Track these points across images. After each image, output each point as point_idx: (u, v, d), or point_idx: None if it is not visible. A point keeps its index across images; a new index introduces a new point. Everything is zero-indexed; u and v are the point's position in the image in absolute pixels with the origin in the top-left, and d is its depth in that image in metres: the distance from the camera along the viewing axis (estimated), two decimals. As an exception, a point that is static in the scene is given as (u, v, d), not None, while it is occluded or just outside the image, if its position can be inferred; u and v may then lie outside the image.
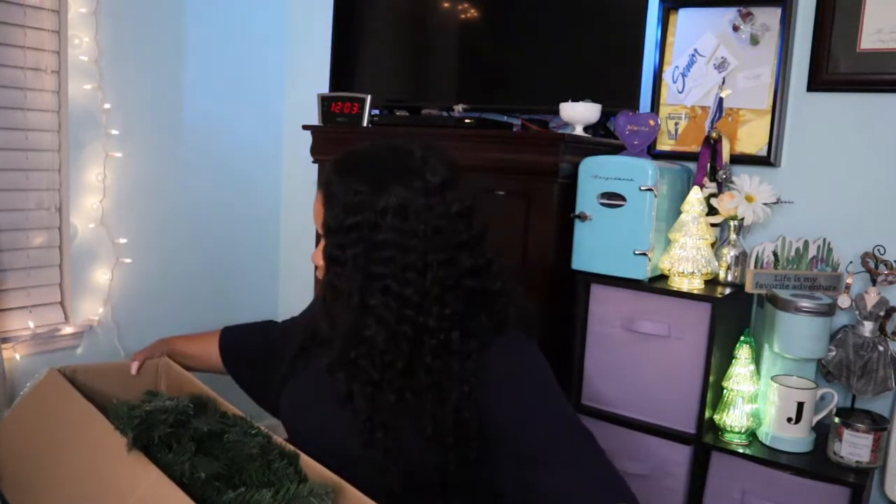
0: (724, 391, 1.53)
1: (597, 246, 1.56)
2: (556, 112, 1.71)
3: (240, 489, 0.85)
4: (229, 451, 0.93)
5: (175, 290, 2.21)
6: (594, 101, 1.67)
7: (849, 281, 1.56)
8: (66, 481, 0.94)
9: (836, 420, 1.43)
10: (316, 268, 1.05)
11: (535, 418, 0.96)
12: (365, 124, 1.89)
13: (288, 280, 2.56)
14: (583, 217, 1.57)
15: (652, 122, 1.63)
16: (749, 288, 1.58)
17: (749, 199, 1.60)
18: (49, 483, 0.96)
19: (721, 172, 1.66)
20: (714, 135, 1.68)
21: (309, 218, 2.01)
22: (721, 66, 1.73)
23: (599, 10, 1.79)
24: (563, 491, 0.90)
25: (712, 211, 1.62)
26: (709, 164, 1.68)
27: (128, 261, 2.07)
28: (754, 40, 1.70)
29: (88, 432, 0.97)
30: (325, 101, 1.94)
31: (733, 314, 1.60)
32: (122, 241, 2.06)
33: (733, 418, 1.50)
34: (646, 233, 1.51)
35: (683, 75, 1.78)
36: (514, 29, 1.88)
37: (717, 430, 1.53)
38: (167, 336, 1.37)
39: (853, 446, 1.40)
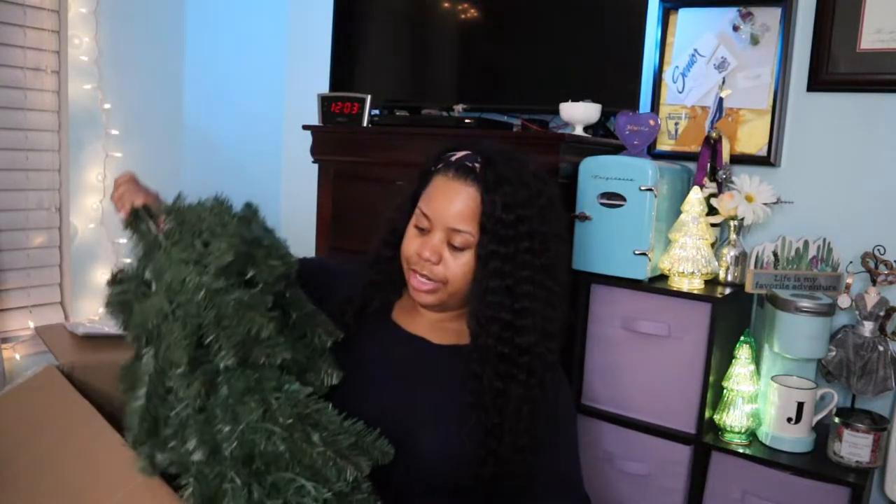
0: (724, 391, 1.53)
1: (597, 246, 1.56)
2: (556, 112, 1.71)
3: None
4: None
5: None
6: (594, 101, 1.67)
7: (849, 281, 1.56)
8: (50, 473, 0.93)
9: (836, 420, 1.43)
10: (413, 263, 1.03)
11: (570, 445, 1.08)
12: (365, 124, 1.89)
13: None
14: (583, 217, 1.57)
15: (652, 122, 1.63)
16: (749, 288, 1.58)
17: (749, 199, 1.60)
18: (29, 473, 0.95)
19: (721, 172, 1.66)
20: (714, 135, 1.68)
21: (309, 217, 2.02)
22: (721, 66, 1.73)
23: (599, 10, 1.79)
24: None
25: (712, 211, 1.62)
26: (709, 164, 1.68)
27: (128, 261, 2.06)
28: (754, 40, 1.70)
29: (81, 427, 0.96)
30: (325, 101, 1.94)
31: (733, 314, 1.60)
32: (122, 241, 2.06)
33: (733, 418, 1.49)
34: (646, 233, 1.51)
35: (683, 75, 1.78)
36: (514, 29, 1.88)
37: (717, 430, 1.53)
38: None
39: (853, 446, 1.40)
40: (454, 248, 0.99)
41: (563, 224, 1.05)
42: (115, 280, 0.86)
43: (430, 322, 1.08)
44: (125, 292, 0.84)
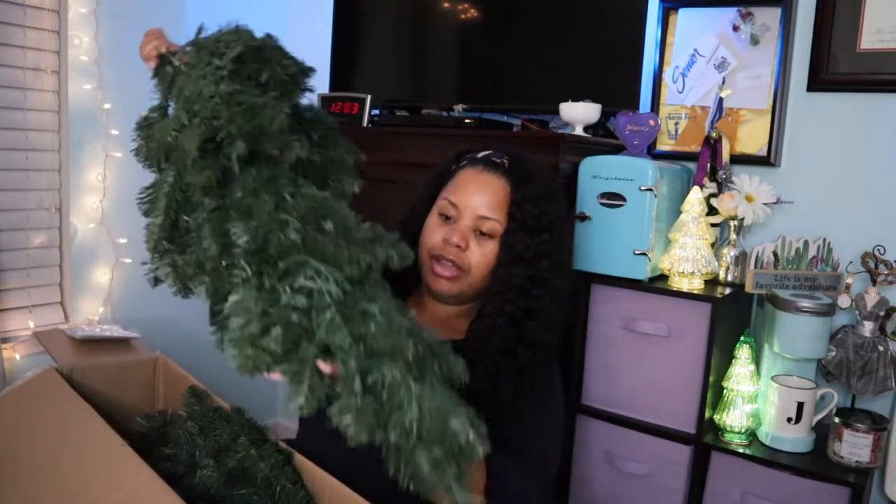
0: (724, 391, 1.53)
1: (597, 246, 1.56)
2: (556, 112, 1.71)
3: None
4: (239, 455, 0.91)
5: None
6: (594, 101, 1.67)
7: (849, 281, 1.56)
8: (50, 473, 0.92)
9: (836, 420, 1.43)
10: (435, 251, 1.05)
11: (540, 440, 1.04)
12: (365, 124, 1.89)
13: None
14: (583, 217, 1.57)
15: (652, 122, 1.63)
16: (749, 288, 1.58)
17: (749, 199, 1.60)
18: (29, 473, 0.95)
19: (721, 172, 1.66)
20: (714, 135, 1.68)
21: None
22: (721, 66, 1.73)
23: (599, 9, 1.79)
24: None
25: (712, 211, 1.62)
26: (709, 164, 1.68)
27: (128, 261, 2.07)
28: (754, 40, 1.70)
29: (80, 428, 0.96)
30: (325, 101, 1.94)
31: (733, 314, 1.60)
32: (122, 241, 2.06)
33: (733, 418, 1.50)
34: (646, 233, 1.51)
35: (683, 75, 1.78)
36: (514, 29, 1.88)
37: (717, 430, 1.53)
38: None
39: (853, 446, 1.40)
40: (481, 236, 1.02)
41: (573, 227, 1.11)
42: (143, 123, 0.85)
43: (434, 320, 1.08)
44: (151, 124, 0.84)
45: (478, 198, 1.03)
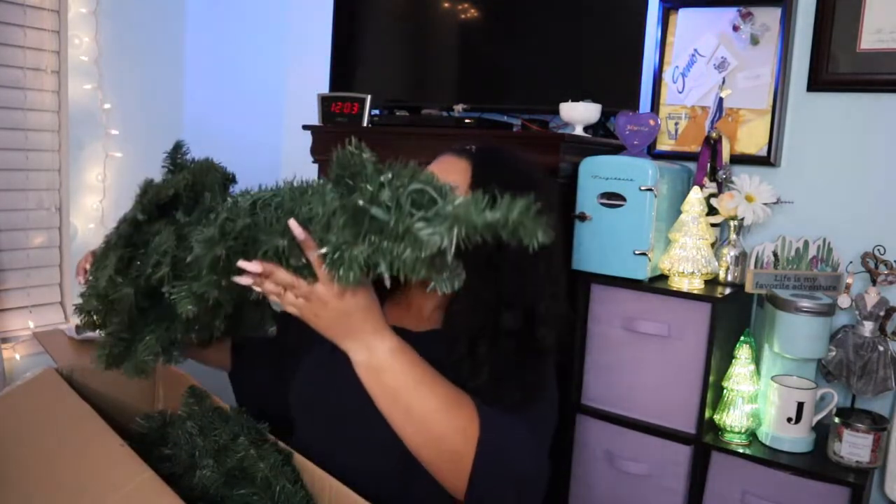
0: (724, 391, 1.53)
1: (597, 246, 1.56)
2: (556, 112, 1.71)
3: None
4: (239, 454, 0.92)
5: (175, 290, 2.20)
6: (594, 101, 1.67)
7: (849, 281, 1.56)
8: (49, 473, 0.92)
9: (836, 420, 1.43)
10: None
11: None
12: (365, 124, 1.89)
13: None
14: (583, 217, 1.57)
15: (652, 122, 1.63)
16: (749, 288, 1.58)
17: (749, 199, 1.60)
18: (29, 473, 0.94)
19: (721, 172, 1.66)
20: (714, 135, 1.68)
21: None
22: (721, 66, 1.73)
23: (599, 10, 1.79)
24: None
25: (712, 211, 1.62)
26: (709, 164, 1.68)
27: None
28: (754, 40, 1.70)
29: (80, 428, 0.96)
30: (325, 101, 1.94)
31: (733, 314, 1.60)
32: (122, 241, 2.06)
33: (733, 418, 1.50)
34: (646, 233, 1.51)
35: (683, 75, 1.78)
36: (514, 29, 1.88)
37: (717, 430, 1.53)
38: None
39: (853, 446, 1.40)
40: None
41: (555, 217, 1.06)
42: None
43: (413, 309, 1.09)
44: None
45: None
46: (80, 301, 0.98)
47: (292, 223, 0.78)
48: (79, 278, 1.09)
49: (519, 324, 0.98)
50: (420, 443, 0.87)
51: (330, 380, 1.05)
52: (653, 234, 1.52)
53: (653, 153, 1.78)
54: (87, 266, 1.08)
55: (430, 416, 0.86)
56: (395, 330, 1.06)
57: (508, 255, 0.97)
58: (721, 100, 1.72)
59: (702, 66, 1.76)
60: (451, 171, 1.01)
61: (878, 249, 1.55)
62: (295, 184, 0.84)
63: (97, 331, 1.00)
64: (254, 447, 0.92)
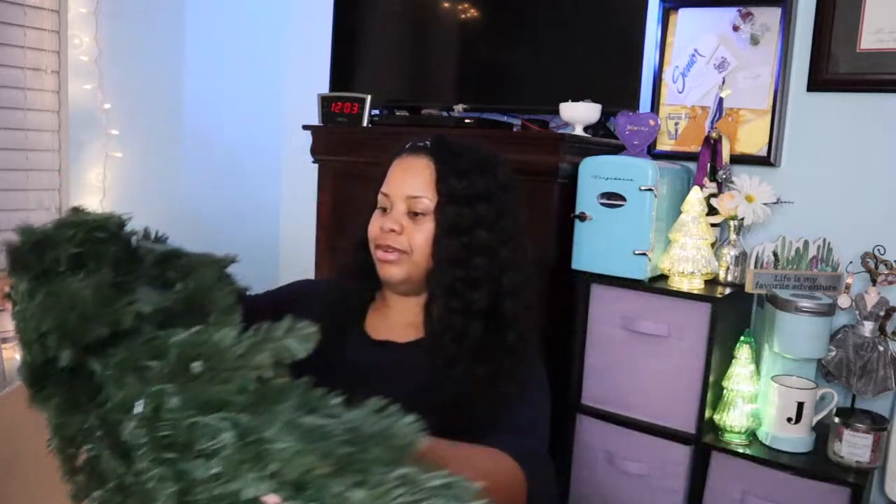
0: (724, 391, 1.53)
1: (597, 246, 1.56)
2: (556, 112, 1.71)
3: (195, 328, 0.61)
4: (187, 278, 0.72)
5: (175, 290, 2.21)
6: (594, 101, 1.67)
7: (849, 281, 1.56)
8: (46, 474, 0.92)
9: (836, 420, 1.43)
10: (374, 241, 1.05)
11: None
12: (365, 124, 1.89)
13: (287, 279, 2.55)
14: (583, 217, 1.57)
15: (652, 122, 1.63)
16: (749, 288, 1.58)
17: (749, 199, 1.60)
18: (28, 473, 0.94)
19: (721, 172, 1.66)
20: (714, 135, 1.68)
21: (309, 217, 2.02)
22: (721, 66, 1.73)
23: (599, 10, 1.79)
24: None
25: (712, 211, 1.62)
26: (709, 164, 1.68)
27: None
28: (754, 40, 1.70)
29: None
30: (325, 101, 1.94)
31: (733, 314, 1.60)
32: (122, 241, 2.06)
33: (733, 418, 1.49)
34: (646, 233, 1.51)
35: (683, 75, 1.78)
36: (515, 29, 1.88)
37: (717, 430, 1.53)
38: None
39: (853, 446, 1.40)
40: (415, 216, 1.03)
41: (518, 198, 1.08)
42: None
43: (397, 319, 1.09)
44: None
45: (405, 181, 1.04)
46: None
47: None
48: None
49: (485, 304, 1.00)
50: None
51: None
52: (653, 234, 1.52)
53: (653, 153, 1.78)
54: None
55: None
56: (380, 342, 1.07)
57: (476, 241, 1.00)
58: (721, 100, 1.72)
59: (702, 66, 1.76)
60: (418, 171, 1.03)
61: (878, 249, 1.55)
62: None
63: None
64: None
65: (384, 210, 1.06)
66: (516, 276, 1.03)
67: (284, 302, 1.17)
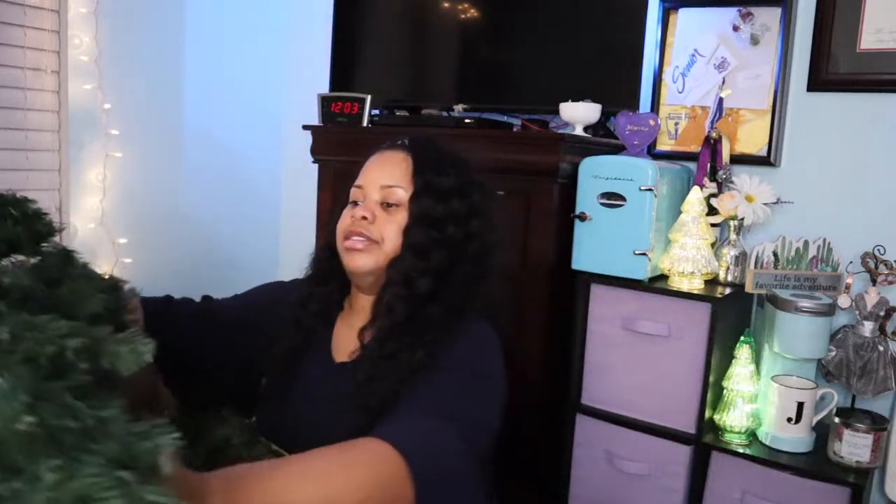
0: (724, 391, 1.53)
1: (597, 246, 1.56)
2: (556, 112, 1.71)
3: None
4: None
5: (175, 290, 2.20)
6: (594, 101, 1.67)
7: (849, 281, 1.56)
8: None
9: (836, 420, 1.43)
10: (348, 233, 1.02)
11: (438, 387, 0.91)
12: (365, 124, 1.89)
13: (287, 278, 2.56)
14: (583, 217, 1.57)
15: (652, 122, 1.63)
16: (749, 288, 1.58)
17: (749, 199, 1.60)
18: None
19: (721, 172, 1.66)
20: (714, 135, 1.68)
21: (309, 217, 2.02)
22: (721, 66, 1.73)
23: (599, 9, 1.79)
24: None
25: (712, 211, 1.62)
26: (709, 164, 1.68)
27: (128, 261, 2.07)
28: (754, 40, 1.70)
29: None
30: (325, 101, 1.94)
31: (733, 314, 1.60)
32: (122, 241, 2.06)
33: (733, 418, 1.49)
34: (646, 233, 1.51)
35: (683, 75, 1.78)
36: (514, 29, 1.88)
37: (717, 430, 1.53)
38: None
39: (853, 446, 1.40)
40: (388, 207, 1.02)
41: (489, 200, 1.08)
42: None
43: (362, 312, 1.05)
44: None
45: (380, 171, 1.04)
46: None
47: None
48: None
49: (442, 308, 0.98)
50: None
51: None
52: (653, 234, 1.52)
53: (653, 153, 1.78)
54: None
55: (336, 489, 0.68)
56: (340, 366, 1.04)
57: (444, 235, 1.00)
58: (721, 100, 1.72)
59: (702, 66, 1.76)
60: (395, 163, 1.04)
61: (878, 249, 1.55)
62: None
63: None
64: (246, 449, 0.91)
65: (355, 204, 1.05)
66: (471, 269, 1.02)
67: (252, 308, 1.16)
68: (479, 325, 1.02)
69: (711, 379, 1.47)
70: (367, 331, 1.01)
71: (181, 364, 0.97)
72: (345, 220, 1.04)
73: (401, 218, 1.01)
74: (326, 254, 1.09)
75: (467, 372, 0.93)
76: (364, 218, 1.01)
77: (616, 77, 1.76)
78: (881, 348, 1.51)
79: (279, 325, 1.09)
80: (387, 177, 1.03)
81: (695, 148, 1.74)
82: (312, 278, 1.11)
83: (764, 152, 1.69)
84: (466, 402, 0.89)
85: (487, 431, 0.91)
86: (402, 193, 1.02)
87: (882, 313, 1.51)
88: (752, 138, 1.71)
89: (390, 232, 1.01)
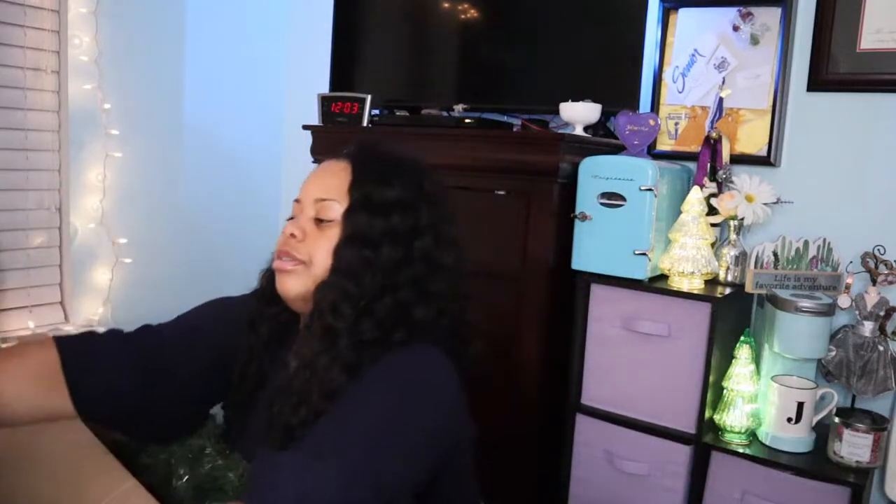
0: (724, 391, 1.53)
1: (597, 246, 1.56)
2: (556, 112, 1.71)
3: None
4: None
5: (175, 290, 2.21)
6: (594, 101, 1.67)
7: (849, 281, 1.56)
8: (31, 480, 0.91)
9: (836, 420, 1.43)
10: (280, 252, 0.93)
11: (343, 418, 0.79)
12: (365, 124, 1.89)
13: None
14: (583, 217, 1.57)
15: (652, 122, 1.63)
16: (749, 288, 1.58)
17: (749, 199, 1.60)
18: (22, 474, 0.94)
19: (721, 172, 1.66)
20: (714, 135, 1.68)
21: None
22: (721, 66, 1.73)
23: (599, 10, 1.79)
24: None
25: (712, 211, 1.62)
26: (709, 164, 1.68)
27: (128, 261, 2.07)
28: (754, 40, 1.70)
29: (65, 436, 0.94)
30: (325, 101, 1.94)
31: (733, 314, 1.60)
32: (122, 241, 2.06)
33: (733, 418, 1.49)
34: (646, 233, 1.51)
35: (683, 75, 1.78)
36: (514, 29, 1.88)
37: (717, 430, 1.53)
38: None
39: (853, 446, 1.40)
40: (320, 223, 0.92)
41: (446, 212, 0.95)
42: None
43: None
44: None
45: (316, 183, 0.95)
46: None
47: None
48: None
49: (377, 331, 0.86)
50: None
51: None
52: (653, 234, 1.52)
53: (653, 153, 1.78)
54: None
55: None
56: None
57: (378, 257, 0.88)
58: (721, 100, 1.72)
59: (702, 66, 1.76)
60: (333, 173, 0.94)
61: (878, 249, 1.55)
62: None
63: None
64: (221, 457, 0.90)
65: (292, 220, 0.96)
66: (408, 295, 0.89)
67: (193, 330, 1.05)
68: (416, 354, 0.86)
69: (711, 379, 1.47)
70: (292, 358, 0.89)
71: (120, 399, 0.90)
72: (279, 238, 0.95)
73: (333, 235, 0.90)
74: (272, 272, 0.99)
75: (382, 415, 0.78)
76: (293, 236, 0.92)
77: (616, 77, 1.76)
78: (881, 348, 1.51)
79: (226, 345, 1.01)
80: (322, 189, 0.93)
81: (695, 148, 1.74)
82: (261, 297, 1.02)
83: (764, 152, 1.69)
84: (371, 450, 0.74)
85: (398, 479, 0.76)
86: (338, 208, 0.91)
87: (882, 313, 1.51)
88: (751, 138, 1.71)
89: (321, 251, 0.90)
